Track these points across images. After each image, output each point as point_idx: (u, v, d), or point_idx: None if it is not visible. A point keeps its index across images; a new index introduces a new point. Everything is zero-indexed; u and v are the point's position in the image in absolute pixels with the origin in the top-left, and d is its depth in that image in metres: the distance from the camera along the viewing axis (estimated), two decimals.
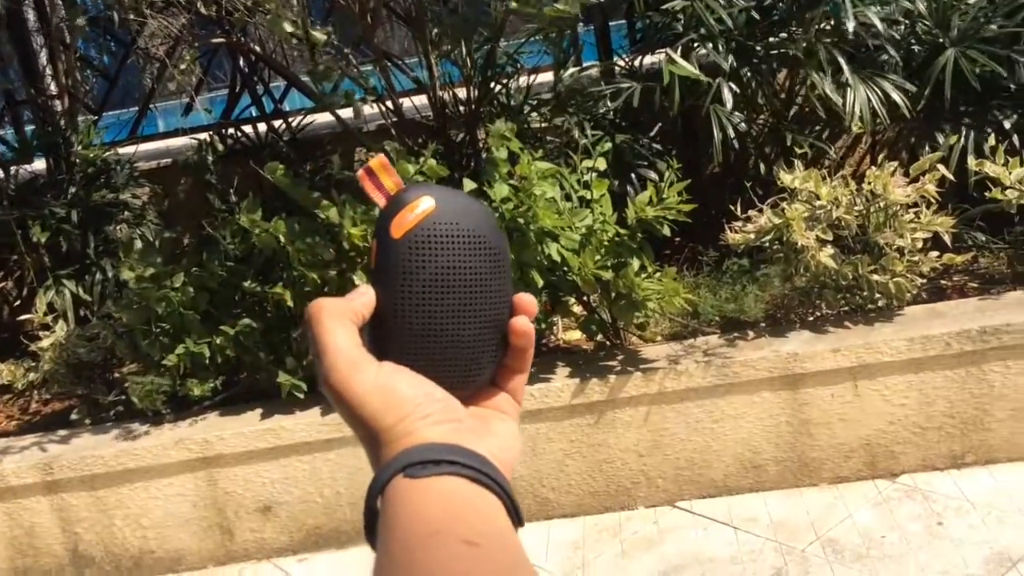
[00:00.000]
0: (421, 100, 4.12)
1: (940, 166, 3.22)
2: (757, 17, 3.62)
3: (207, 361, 3.27)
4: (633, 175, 3.89)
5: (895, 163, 3.22)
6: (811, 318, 3.39)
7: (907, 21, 3.65)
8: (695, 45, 3.67)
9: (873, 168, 3.23)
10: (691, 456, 3.24)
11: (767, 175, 3.80)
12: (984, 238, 3.62)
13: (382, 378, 0.57)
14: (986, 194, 3.30)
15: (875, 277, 3.21)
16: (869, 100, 3.39)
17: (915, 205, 3.24)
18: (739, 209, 3.37)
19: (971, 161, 3.37)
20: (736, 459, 3.25)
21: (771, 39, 3.70)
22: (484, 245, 0.62)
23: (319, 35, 2.91)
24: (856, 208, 3.23)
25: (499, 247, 0.63)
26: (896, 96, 3.42)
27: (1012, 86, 3.63)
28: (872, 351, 3.11)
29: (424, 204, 0.60)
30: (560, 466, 3.28)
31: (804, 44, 3.45)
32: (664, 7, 3.64)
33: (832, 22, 3.51)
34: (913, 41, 3.66)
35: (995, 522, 2.89)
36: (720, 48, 3.60)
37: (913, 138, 3.70)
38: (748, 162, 4.01)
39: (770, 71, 3.71)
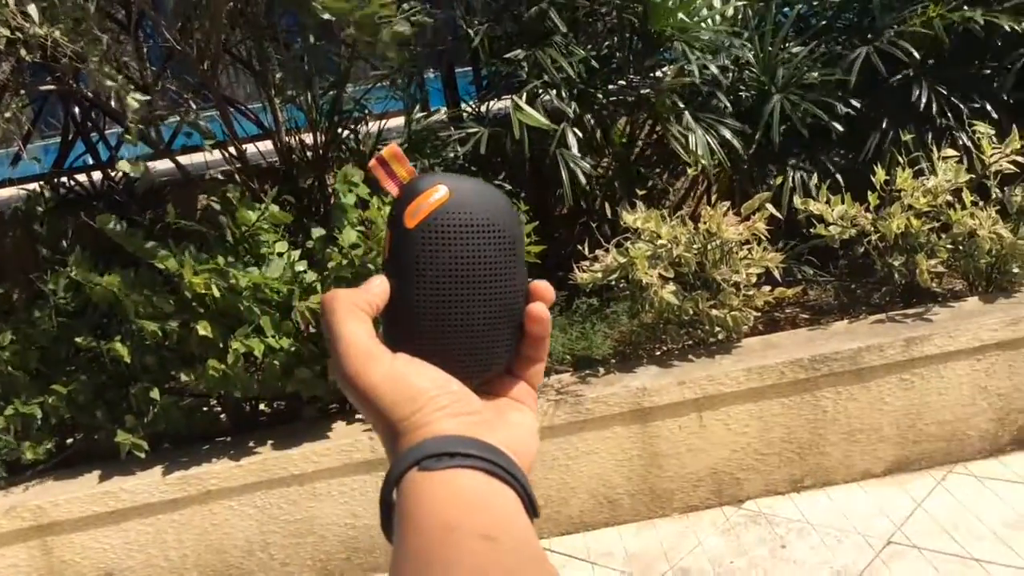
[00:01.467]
0: (267, 146, 4.05)
1: (769, 205, 3.40)
2: (596, 66, 3.76)
3: (39, 422, 3.08)
4: None
5: (728, 203, 3.38)
6: (658, 353, 3.50)
7: (735, 68, 3.86)
8: (539, 92, 3.77)
9: (708, 208, 3.39)
10: (548, 494, 3.27)
11: (613, 216, 3.92)
12: (812, 272, 3.84)
13: (396, 369, 0.57)
14: (812, 230, 3.51)
15: (714, 312, 3.35)
16: (708, 143, 3.56)
17: (748, 242, 3.41)
18: (587, 249, 3.46)
19: (797, 200, 3.58)
20: (591, 494, 3.30)
21: (611, 86, 3.84)
22: (498, 233, 0.61)
23: (133, 101, 2.82)
24: (695, 246, 3.37)
25: (513, 235, 0.62)
26: (733, 140, 3.61)
27: (839, 127, 3.88)
28: (714, 382, 3.23)
29: (438, 193, 0.60)
30: None
31: (653, 91, 3.60)
32: (507, 56, 3.73)
33: (666, 69, 3.68)
34: (741, 87, 3.88)
35: (834, 542, 3.04)
36: (564, 95, 3.71)
37: (744, 179, 3.90)
38: (595, 203, 4.13)
39: (611, 117, 3.85)
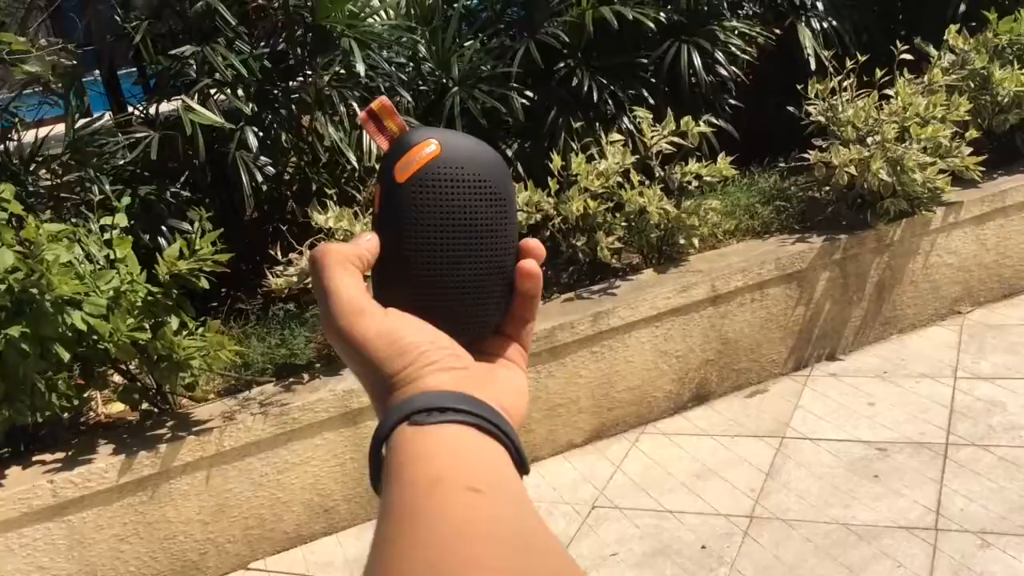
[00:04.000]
0: None
1: None
2: (269, 65, 3.63)
3: None
4: (164, 228, 3.68)
5: None
6: None
7: (413, 64, 3.89)
8: (213, 92, 3.58)
9: None
10: (260, 513, 3.13)
11: (304, 217, 3.82)
12: None
13: (387, 324, 0.56)
14: None
15: None
16: None
17: None
18: (279, 253, 3.34)
19: None
20: (306, 506, 3.19)
21: (290, 83, 3.73)
22: (490, 189, 0.60)
23: None
24: None
25: (505, 192, 0.61)
26: None
27: (517, 117, 4.03)
28: None
29: (429, 147, 0.59)
30: (115, 554, 2.97)
31: (314, 90, 3.52)
32: (173, 53, 3.50)
33: (343, 68, 3.62)
34: (421, 83, 3.92)
35: (546, 514, 3.17)
36: (240, 94, 3.55)
37: None
38: (285, 205, 4.01)
39: (291, 116, 3.74)
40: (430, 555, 0.43)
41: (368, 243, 0.59)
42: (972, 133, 3.92)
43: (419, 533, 0.45)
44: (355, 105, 3.48)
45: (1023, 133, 4.34)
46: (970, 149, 3.89)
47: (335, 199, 3.47)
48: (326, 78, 3.50)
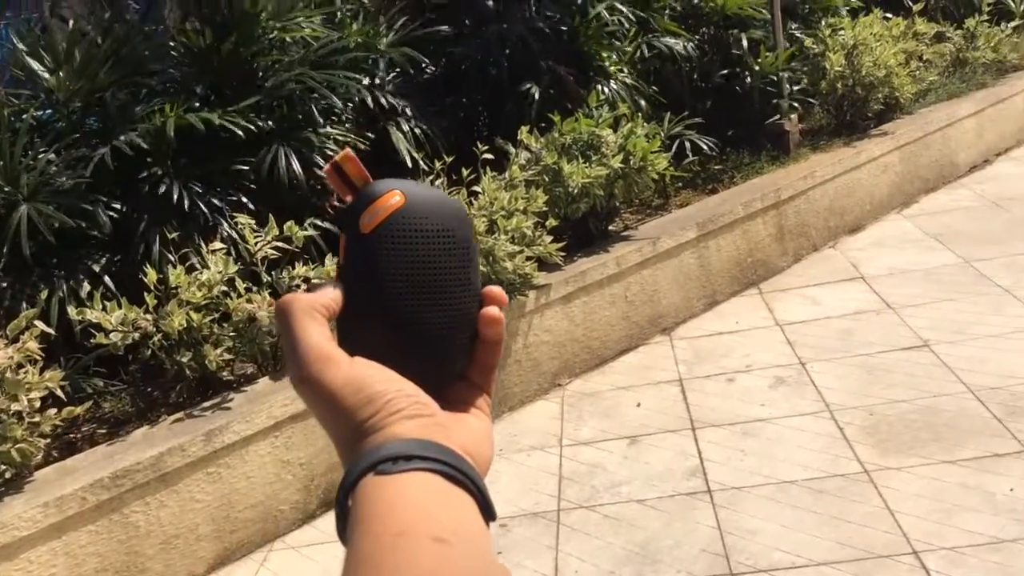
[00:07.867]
0: None
1: (38, 322, 3.14)
2: None
3: None
4: None
5: None
6: None
7: None
8: None
9: None
10: None
11: None
12: (103, 383, 3.65)
13: (355, 372, 0.56)
14: (93, 340, 3.34)
15: None
16: None
17: (22, 365, 3.10)
18: None
19: (72, 311, 3.38)
20: None
21: None
22: (453, 238, 0.61)
23: None
24: None
25: (467, 241, 0.62)
26: None
27: (102, 231, 3.76)
28: (7, 530, 2.86)
29: (393, 198, 0.60)
30: None
31: None
32: None
33: None
34: None
35: None
36: None
37: (7, 296, 3.56)
38: None
39: None
40: None
41: (333, 293, 0.60)
42: (551, 222, 4.34)
43: None
44: None
45: (595, 219, 4.88)
46: (551, 237, 4.29)
47: None
48: None
